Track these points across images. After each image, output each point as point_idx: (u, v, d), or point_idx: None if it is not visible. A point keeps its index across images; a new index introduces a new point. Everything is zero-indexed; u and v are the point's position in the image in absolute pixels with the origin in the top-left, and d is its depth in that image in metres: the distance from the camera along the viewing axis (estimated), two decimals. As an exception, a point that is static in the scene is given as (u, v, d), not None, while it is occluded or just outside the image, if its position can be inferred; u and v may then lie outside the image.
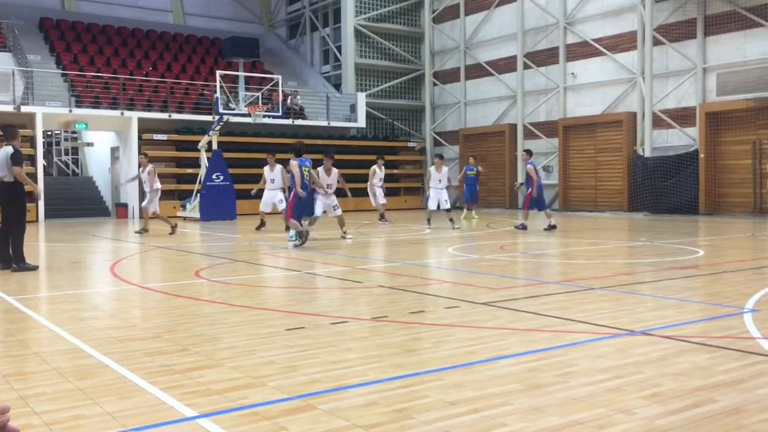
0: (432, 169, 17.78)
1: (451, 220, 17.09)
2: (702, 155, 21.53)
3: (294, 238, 13.11)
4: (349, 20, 30.21)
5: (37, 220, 22.06)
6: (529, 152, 17.65)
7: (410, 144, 31.15)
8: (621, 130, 23.98)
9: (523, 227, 16.44)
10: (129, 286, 8.46)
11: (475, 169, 21.04)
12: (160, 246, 13.59)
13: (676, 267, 9.49)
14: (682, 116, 22.49)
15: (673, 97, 22.70)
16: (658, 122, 23.01)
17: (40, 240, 15.68)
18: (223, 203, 21.17)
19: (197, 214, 21.44)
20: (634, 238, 14.57)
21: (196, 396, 3.87)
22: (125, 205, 24.93)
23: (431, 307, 6.68)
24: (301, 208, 12.94)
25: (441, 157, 18.50)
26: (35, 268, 9.88)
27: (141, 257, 12.12)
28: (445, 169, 17.60)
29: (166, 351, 4.95)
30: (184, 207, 22.92)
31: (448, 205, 17.28)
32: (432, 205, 17.43)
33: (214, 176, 21.19)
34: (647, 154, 22.99)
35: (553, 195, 26.78)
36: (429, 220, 17.93)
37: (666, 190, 22.23)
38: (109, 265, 10.63)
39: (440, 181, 17.42)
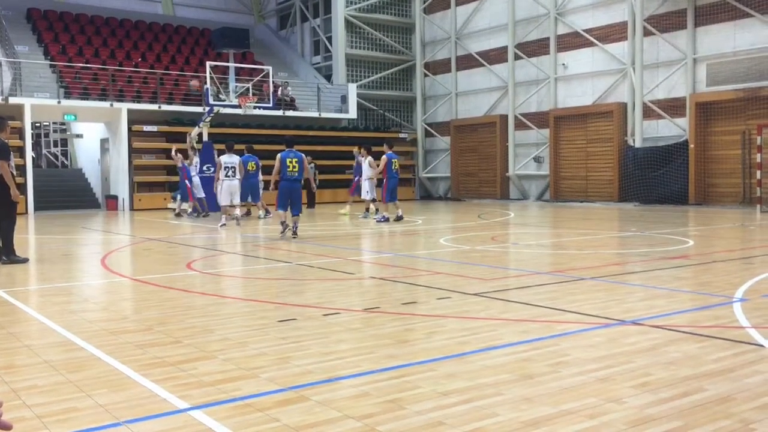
0: None
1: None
2: (692, 145, 21.62)
3: (381, 219, 15.86)
4: (340, 11, 30.09)
5: (26, 213, 21.94)
6: (389, 144, 17.61)
7: (401, 135, 31.12)
8: (611, 121, 24.04)
9: (385, 219, 16.67)
10: (120, 279, 8.43)
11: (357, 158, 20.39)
12: (152, 238, 13.54)
13: (666, 257, 9.54)
14: (672, 107, 22.56)
15: (664, 88, 22.75)
16: (648, 113, 23.07)
17: (29, 232, 15.59)
18: (214, 195, 21.06)
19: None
20: (624, 229, 14.63)
21: (189, 388, 3.87)
22: (115, 197, 24.83)
23: (423, 298, 6.69)
24: (284, 197, 12.91)
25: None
26: (25, 260, 9.83)
27: (132, 249, 12.08)
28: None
29: (158, 343, 4.95)
30: (174, 199, 22.83)
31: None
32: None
33: (204, 168, 21.10)
34: (637, 144, 23.06)
35: (544, 185, 26.85)
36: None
37: (656, 180, 22.31)
38: (100, 258, 10.59)
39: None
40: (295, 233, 13.09)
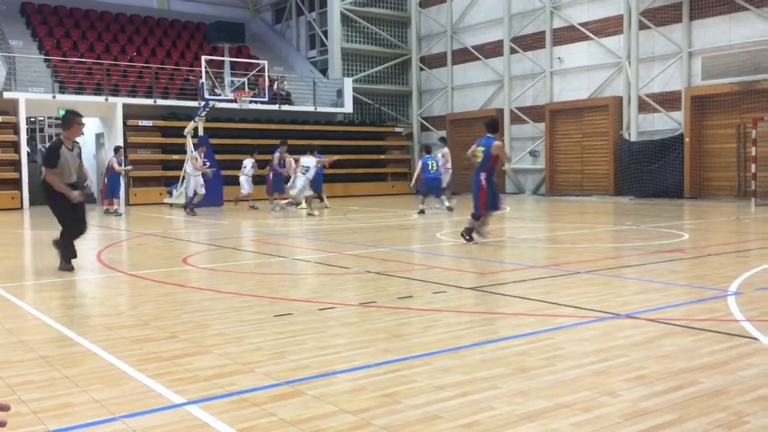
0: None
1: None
2: (687, 139, 21.64)
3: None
4: (336, 4, 30.00)
5: (21, 208, 21.89)
6: (427, 148, 18.38)
7: (397, 129, 31.11)
8: (607, 115, 24.05)
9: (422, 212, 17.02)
10: (116, 274, 8.43)
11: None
12: (148, 233, 13.52)
13: (661, 251, 9.57)
14: (668, 100, 22.57)
15: (659, 81, 22.76)
16: (643, 106, 23.08)
17: (25, 227, 15.56)
18: (210, 189, 21.03)
19: (183, 201, 21.31)
20: (619, 222, 14.65)
21: (185, 383, 3.88)
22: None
23: (419, 292, 6.70)
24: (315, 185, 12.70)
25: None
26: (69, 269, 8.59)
27: (127, 244, 12.06)
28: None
29: (153, 338, 4.95)
30: (170, 194, 22.80)
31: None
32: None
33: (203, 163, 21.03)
34: (633, 138, 23.08)
35: (540, 179, 26.87)
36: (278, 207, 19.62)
37: (652, 174, 22.34)
38: (96, 253, 10.58)
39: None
40: (463, 234, 10.71)
